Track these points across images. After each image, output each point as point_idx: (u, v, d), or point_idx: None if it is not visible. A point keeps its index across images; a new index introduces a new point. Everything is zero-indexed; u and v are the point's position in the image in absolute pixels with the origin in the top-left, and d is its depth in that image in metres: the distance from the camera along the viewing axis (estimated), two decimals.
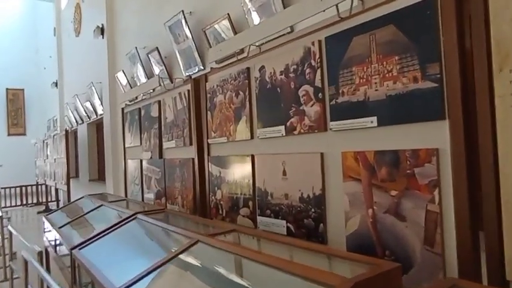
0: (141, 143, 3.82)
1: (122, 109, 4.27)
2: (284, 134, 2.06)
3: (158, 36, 4.95)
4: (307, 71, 1.91)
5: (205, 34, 3.87)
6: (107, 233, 2.28)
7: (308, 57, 1.90)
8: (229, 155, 2.51)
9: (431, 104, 1.40)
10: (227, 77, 2.51)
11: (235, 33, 3.54)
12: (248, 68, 2.33)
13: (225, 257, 1.53)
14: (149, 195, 3.65)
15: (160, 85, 3.24)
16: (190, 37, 4.15)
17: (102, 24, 6.77)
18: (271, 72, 2.14)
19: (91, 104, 7.54)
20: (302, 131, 1.95)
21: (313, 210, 1.89)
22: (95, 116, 7.51)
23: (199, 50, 4.12)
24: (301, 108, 1.95)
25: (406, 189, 1.49)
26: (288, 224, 2.04)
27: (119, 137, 6.40)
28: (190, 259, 1.58)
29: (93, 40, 7.00)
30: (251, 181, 2.31)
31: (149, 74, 5.26)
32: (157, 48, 4.80)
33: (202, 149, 2.83)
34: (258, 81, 2.24)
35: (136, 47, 5.27)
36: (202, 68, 4.13)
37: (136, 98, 4.03)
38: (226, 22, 3.59)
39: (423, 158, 1.43)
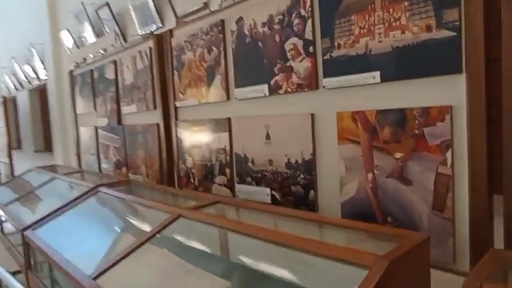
0: (96, 109, 3.45)
1: (71, 72, 3.82)
2: (267, 94, 1.85)
3: None
4: (296, 21, 1.69)
5: None
6: (65, 210, 1.99)
7: (297, 6, 1.68)
8: (202, 119, 2.27)
9: (446, 56, 1.25)
10: (197, 32, 2.23)
11: None
12: (223, 21, 2.07)
13: (217, 234, 1.34)
14: (108, 166, 3.34)
15: (116, 43, 2.87)
16: None
17: None
18: (251, 25, 1.90)
19: (31, 68, 6.81)
20: (289, 89, 1.75)
21: (302, 176, 1.74)
22: (38, 82, 6.82)
23: (157, 5, 3.73)
24: (288, 64, 1.74)
25: (413, 151, 1.36)
26: (273, 192, 1.88)
27: (67, 103, 5.85)
28: (173, 237, 1.38)
29: None
30: (228, 147, 2.11)
31: (98, 33, 4.76)
32: (107, 3, 4.31)
33: (169, 113, 2.56)
34: (235, 35, 1.99)
35: (82, 3, 4.71)
36: (161, 25, 3.75)
37: (85, 59, 3.61)
38: None
39: (434, 116, 1.30)
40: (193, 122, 2.34)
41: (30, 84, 7.18)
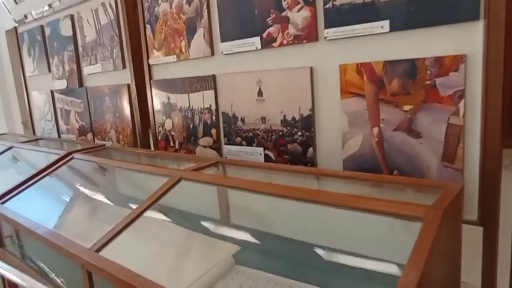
0: (50, 70, 3.13)
1: (16, 29, 3.41)
2: (259, 47, 1.74)
3: None
4: None
5: None
6: (37, 180, 1.80)
7: None
8: (181, 77, 2.11)
9: (462, 2, 1.21)
10: None
11: None
12: None
13: (227, 197, 1.25)
14: (68, 133, 3.08)
15: None
16: None
17: None
18: None
19: None
20: (285, 42, 1.65)
21: (300, 133, 1.67)
22: None
23: None
24: (283, 14, 1.63)
25: (424, 102, 1.33)
26: (267, 152, 1.81)
27: (7, 66, 5.31)
28: (176, 202, 1.28)
29: None
30: (214, 106, 1.98)
31: None
32: None
33: (141, 71, 2.36)
34: None
35: None
36: None
37: (31, 14, 3.21)
38: None
39: (448, 66, 1.27)
40: (171, 81, 2.17)
41: None
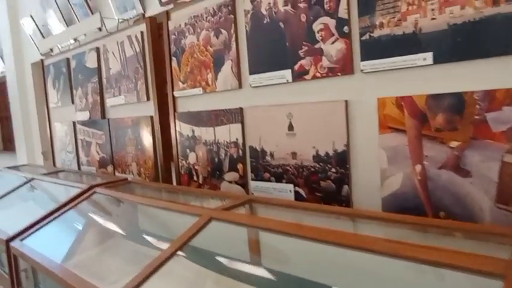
0: (73, 102, 3.13)
1: (42, 61, 3.46)
2: (290, 80, 1.68)
3: None
4: None
5: None
6: (58, 216, 1.73)
7: None
8: (207, 110, 2.06)
9: None
10: (201, 13, 2.02)
11: None
12: (233, 0, 1.87)
13: (268, 239, 1.15)
14: (89, 165, 3.04)
15: (102, 26, 2.58)
16: None
17: None
18: (269, 4, 1.71)
19: None
20: (318, 75, 1.59)
21: (334, 170, 1.58)
22: None
23: None
24: (316, 46, 1.58)
25: (473, 138, 1.24)
26: (297, 188, 1.72)
27: (31, 97, 5.41)
28: (207, 244, 1.18)
29: None
30: (240, 139, 1.92)
31: (68, 21, 4.39)
32: None
33: (166, 104, 2.33)
34: (249, 16, 1.80)
35: None
36: (142, 11, 3.48)
37: (58, 47, 3.26)
38: None
39: (500, 100, 1.18)
40: (196, 114, 2.12)
41: None
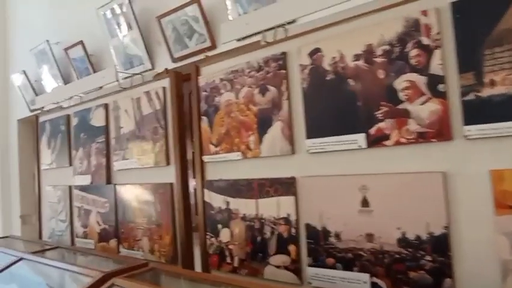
0: (71, 164, 2.76)
1: (37, 117, 3.12)
2: (363, 146, 1.40)
3: (80, 28, 3.89)
4: (413, 53, 1.30)
5: (160, 24, 3.04)
6: None
7: (414, 33, 1.30)
8: (247, 178, 1.74)
9: None
10: (242, 67, 1.77)
11: (206, 22, 2.81)
12: (284, 53, 1.63)
13: None
14: (85, 237, 2.61)
15: (117, 81, 2.30)
16: (136, 27, 3.26)
17: None
18: (334, 58, 1.48)
19: None
20: (403, 140, 1.32)
21: (429, 258, 1.26)
22: None
23: (147, 44, 3.26)
24: (400, 107, 1.32)
25: None
26: (375, 279, 1.37)
27: (13, 158, 4.98)
28: None
29: None
30: (293, 215, 1.59)
31: (65, 76, 4.12)
32: (81, 42, 3.74)
33: (192, 169, 2.00)
34: (307, 71, 1.55)
35: (47, 40, 4.09)
36: (151, 67, 3.26)
37: (58, 103, 2.94)
38: (193, 8, 2.84)
39: None
40: (232, 182, 1.80)
41: None
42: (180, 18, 2.87)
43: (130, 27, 3.27)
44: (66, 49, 3.88)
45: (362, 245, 1.41)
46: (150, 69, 3.19)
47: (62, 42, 4.05)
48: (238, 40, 2.05)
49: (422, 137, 1.28)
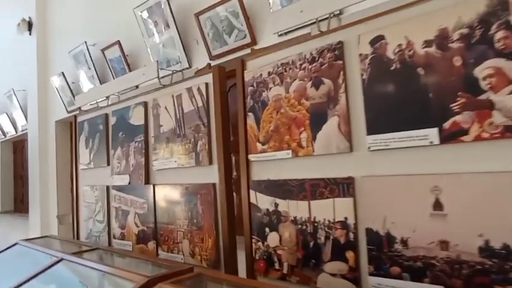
0: (109, 163, 2.72)
1: (75, 117, 3.11)
2: (436, 142, 1.25)
3: (116, 29, 3.89)
4: (499, 35, 1.14)
5: (198, 21, 2.97)
6: None
7: (500, 13, 1.14)
8: (298, 178, 1.62)
9: None
10: (293, 59, 1.65)
11: (246, 18, 2.72)
12: (341, 43, 1.50)
13: None
14: (123, 238, 2.55)
15: (157, 78, 2.23)
16: (174, 26, 3.21)
17: (30, 17, 5.41)
18: (400, 45, 1.34)
19: (8, 117, 5.98)
20: (486, 135, 1.16)
21: None
22: (15, 132, 5.96)
23: (184, 42, 3.20)
24: (482, 97, 1.17)
25: None
26: None
27: (52, 157, 5.05)
28: None
29: (15, 37, 5.56)
30: (351, 219, 1.45)
31: (102, 78, 4.14)
32: (118, 41, 3.74)
33: (237, 169, 1.90)
34: (368, 61, 1.42)
35: (85, 42, 4.12)
36: (188, 66, 3.20)
37: (97, 103, 2.91)
38: (233, 3, 2.75)
39: None
40: (281, 183, 1.68)
41: (4, 135, 6.30)
42: (219, 14, 2.80)
43: (167, 25, 3.23)
44: (103, 50, 3.89)
45: (435, 253, 1.25)
46: (187, 68, 3.14)
47: (99, 43, 4.07)
48: (286, 33, 1.93)
49: (510, 131, 1.12)
